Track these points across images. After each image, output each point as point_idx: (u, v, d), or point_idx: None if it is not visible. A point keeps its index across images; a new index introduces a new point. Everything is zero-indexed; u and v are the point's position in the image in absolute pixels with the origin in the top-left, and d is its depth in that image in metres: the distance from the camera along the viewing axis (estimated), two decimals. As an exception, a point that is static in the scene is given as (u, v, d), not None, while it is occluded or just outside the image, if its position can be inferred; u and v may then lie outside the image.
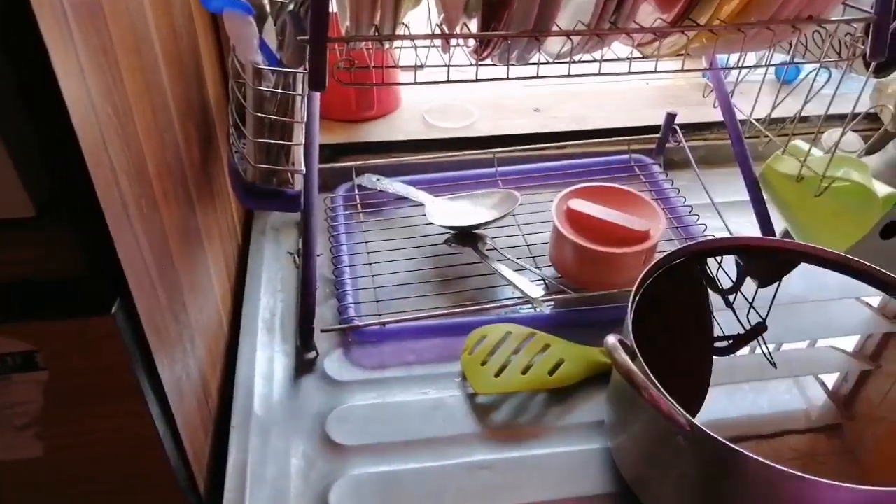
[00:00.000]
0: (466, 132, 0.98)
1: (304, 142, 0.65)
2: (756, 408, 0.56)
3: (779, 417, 0.56)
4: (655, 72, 0.59)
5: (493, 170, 0.91)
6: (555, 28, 0.54)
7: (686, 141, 0.93)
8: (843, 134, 0.67)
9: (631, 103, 1.06)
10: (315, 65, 0.52)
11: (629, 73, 0.58)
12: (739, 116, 0.81)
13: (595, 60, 0.58)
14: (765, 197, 0.78)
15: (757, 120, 0.76)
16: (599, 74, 0.58)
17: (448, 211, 0.84)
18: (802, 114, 0.72)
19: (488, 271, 0.76)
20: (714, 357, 0.61)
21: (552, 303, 0.75)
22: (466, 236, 0.81)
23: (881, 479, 0.43)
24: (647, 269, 0.60)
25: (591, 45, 0.57)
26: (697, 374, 0.59)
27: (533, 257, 0.80)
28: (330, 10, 0.51)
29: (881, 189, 0.68)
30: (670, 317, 0.63)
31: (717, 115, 0.83)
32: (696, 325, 0.65)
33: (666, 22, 0.57)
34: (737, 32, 0.56)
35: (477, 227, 0.80)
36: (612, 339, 0.51)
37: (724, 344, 0.62)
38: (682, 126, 0.94)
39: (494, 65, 0.58)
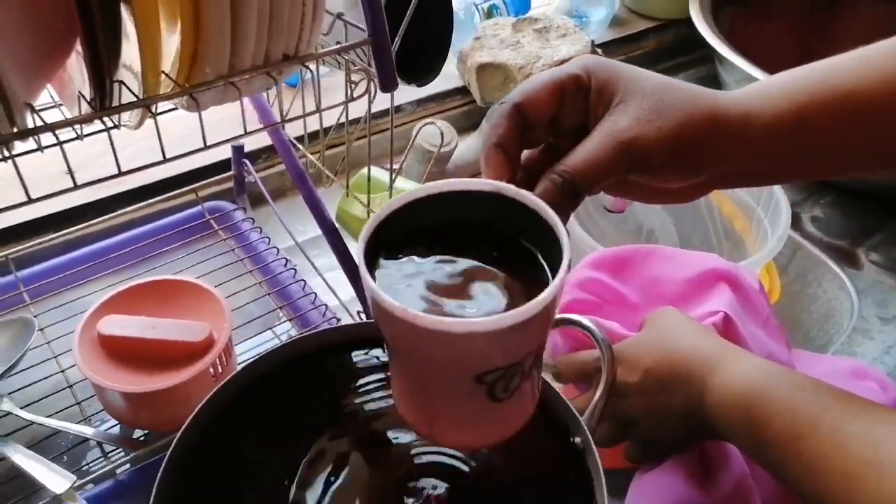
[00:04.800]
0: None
1: None
2: None
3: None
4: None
5: (11, 278, 0.67)
6: None
7: (258, 172, 0.77)
8: (401, 166, 0.54)
9: (188, 138, 0.84)
10: None
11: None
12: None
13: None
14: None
15: (299, 140, 0.59)
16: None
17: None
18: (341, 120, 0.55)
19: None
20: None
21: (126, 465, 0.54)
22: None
23: None
24: (198, 408, 0.44)
25: None
26: None
27: (79, 403, 0.58)
28: None
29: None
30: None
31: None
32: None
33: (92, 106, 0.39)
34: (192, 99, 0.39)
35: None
36: None
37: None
38: (250, 154, 0.77)
39: None
